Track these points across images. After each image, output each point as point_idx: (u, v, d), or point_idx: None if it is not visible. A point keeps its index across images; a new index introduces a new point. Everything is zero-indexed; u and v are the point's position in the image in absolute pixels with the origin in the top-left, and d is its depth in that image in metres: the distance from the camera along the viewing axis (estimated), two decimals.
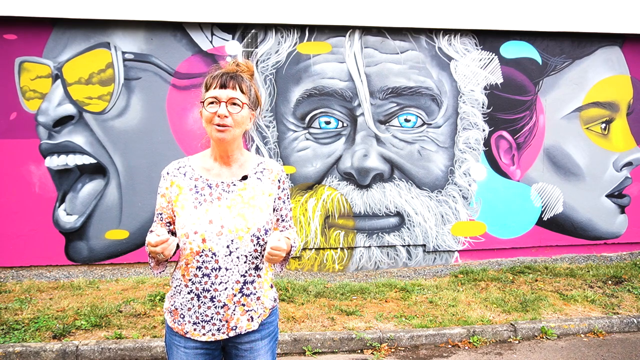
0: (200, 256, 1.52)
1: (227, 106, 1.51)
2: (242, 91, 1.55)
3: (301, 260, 5.32)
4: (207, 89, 1.55)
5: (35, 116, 4.85)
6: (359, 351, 3.54)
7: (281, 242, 1.50)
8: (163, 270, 1.65)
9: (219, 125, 1.51)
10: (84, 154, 4.94)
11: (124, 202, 5.01)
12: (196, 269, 1.53)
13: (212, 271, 1.52)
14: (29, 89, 4.84)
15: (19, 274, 4.87)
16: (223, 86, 1.52)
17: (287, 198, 1.72)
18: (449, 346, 3.65)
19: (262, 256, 1.60)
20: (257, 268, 1.60)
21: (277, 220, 1.71)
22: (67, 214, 4.95)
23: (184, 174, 1.61)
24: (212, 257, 1.52)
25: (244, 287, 1.57)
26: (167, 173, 1.63)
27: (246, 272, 1.56)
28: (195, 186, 1.59)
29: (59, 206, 4.94)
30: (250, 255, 1.56)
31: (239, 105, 1.54)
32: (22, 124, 4.83)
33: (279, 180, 1.68)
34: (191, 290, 1.55)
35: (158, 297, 4.15)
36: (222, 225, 1.53)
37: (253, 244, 1.56)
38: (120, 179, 5.00)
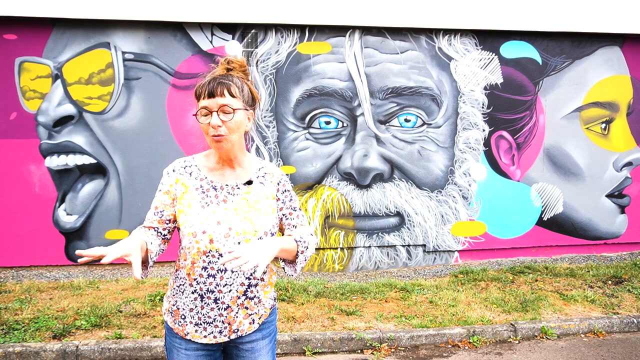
0: (207, 256, 1.51)
1: (218, 115, 1.48)
2: (232, 95, 1.49)
3: None
4: (198, 100, 1.52)
5: (35, 116, 4.85)
6: (359, 351, 3.54)
7: (243, 247, 1.35)
8: (144, 277, 1.51)
9: (214, 136, 1.49)
10: (84, 154, 4.94)
11: (124, 202, 5.01)
12: (202, 269, 1.52)
13: (218, 272, 1.52)
14: (29, 89, 4.84)
15: (19, 274, 4.87)
16: (211, 95, 1.48)
17: (289, 199, 1.69)
18: (449, 346, 3.65)
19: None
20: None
21: (280, 219, 1.68)
22: (67, 214, 4.95)
23: (190, 174, 1.59)
24: (218, 259, 1.51)
25: (248, 290, 1.56)
26: (173, 170, 1.60)
27: (251, 275, 1.56)
28: (201, 186, 1.57)
29: (59, 206, 4.94)
30: None
31: (230, 112, 1.49)
32: (22, 124, 4.83)
33: (278, 183, 1.67)
34: (195, 290, 1.54)
35: (158, 297, 4.15)
36: (230, 227, 1.52)
37: None
38: (120, 179, 5.00)
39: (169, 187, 1.59)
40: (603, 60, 5.68)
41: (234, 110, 1.49)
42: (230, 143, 1.52)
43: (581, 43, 5.61)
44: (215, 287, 1.52)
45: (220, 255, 1.51)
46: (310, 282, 4.75)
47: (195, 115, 1.53)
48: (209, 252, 1.51)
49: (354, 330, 3.67)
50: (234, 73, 1.55)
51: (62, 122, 4.89)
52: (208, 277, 1.52)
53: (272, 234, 1.59)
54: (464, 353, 3.53)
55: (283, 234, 1.71)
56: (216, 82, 1.49)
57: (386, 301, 4.32)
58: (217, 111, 1.47)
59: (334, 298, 4.35)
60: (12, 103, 4.81)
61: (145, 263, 1.48)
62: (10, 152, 4.84)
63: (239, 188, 1.59)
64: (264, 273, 1.61)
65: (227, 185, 1.59)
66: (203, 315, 1.55)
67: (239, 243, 1.51)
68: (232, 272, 1.52)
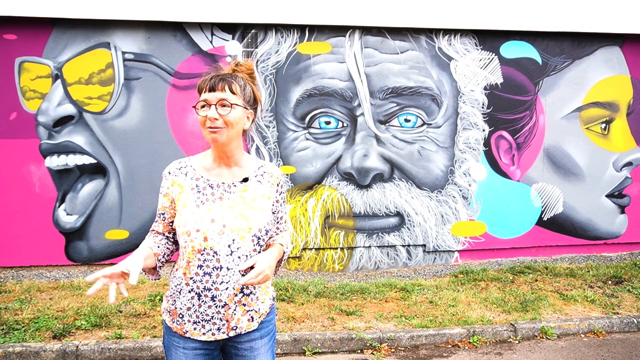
0: (202, 254, 1.52)
1: (217, 108, 1.53)
2: (232, 92, 1.55)
3: (301, 260, 5.32)
4: (200, 93, 1.58)
5: (35, 116, 4.85)
6: (359, 351, 3.54)
7: (262, 262, 1.52)
8: (158, 278, 1.67)
9: (210, 127, 1.54)
10: (84, 154, 4.94)
11: (124, 202, 5.01)
12: (197, 267, 1.53)
13: (214, 270, 1.53)
14: (29, 89, 4.84)
15: (19, 274, 4.87)
16: (212, 89, 1.55)
17: (284, 201, 1.76)
18: (449, 346, 3.65)
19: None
20: None
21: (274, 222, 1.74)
22: (67, 214, 4.95)
23: (185, 174, 1.63)
24: (213, 256, 1.52)
25: (244, 286, 1.58)
26: (169, 173, 1.64)
27: (246, 272, 1.57)
28: (197, 185, 1.60)
29: (59, 206, 4.94)
30: (251, 255, 1.57)
31: (228, 106, 1.55)
32: (22, 124, 4.83)
33: (277, 184, 1.71)
34: (192, 289, 1.55)
35: (158, 297, 4.15)
36: (224, 224, 1.54)
37: (253, 244, 1.57)
38: (120, 179, 5.00)
39: (167, 190, 1.63)
40: (603, 60, 5.68)
41: (231, 105, 1.55)
42: (225, 136, 1.56)
43: (581, 43, 5.61)
44: (212, 285, 1.53)
45: (215, 252, 1.52)
46: (310, 282, 4.75)
47: (195, 107, 1.59)
48: (204, 250, 1.52)
49: (354, 330, 3.67)
50: (239, 74, 1.62)
51: (62, 122, 4.89)
52: (204, 275, 1.53)
53: (267, 231, 1.61)
54: (464, 353, 3.53)
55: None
56: (218, 78, 1.56)
57: (386, 301, 4.32)
58: (215, 105, 1.53)
59: (334, 298, 4.35)
60: (12, 103, 4.81)
61: (154, 268, 1.61)
62: (10, 152, 4.84)
63: (235, 186, 1.62)
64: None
65: (223, 183, 1.61)
66: (201, 313, 1.55)
67: (233, 240, 1.53)
68: (228, 269, 1.54)
